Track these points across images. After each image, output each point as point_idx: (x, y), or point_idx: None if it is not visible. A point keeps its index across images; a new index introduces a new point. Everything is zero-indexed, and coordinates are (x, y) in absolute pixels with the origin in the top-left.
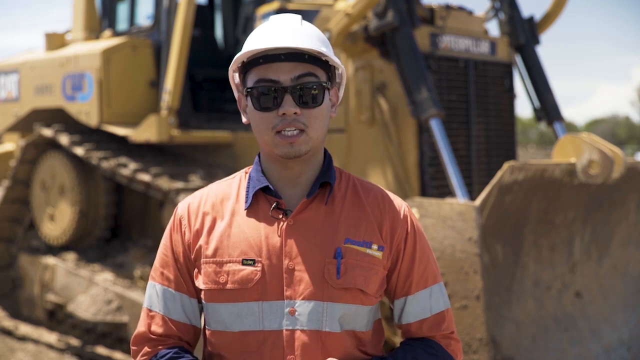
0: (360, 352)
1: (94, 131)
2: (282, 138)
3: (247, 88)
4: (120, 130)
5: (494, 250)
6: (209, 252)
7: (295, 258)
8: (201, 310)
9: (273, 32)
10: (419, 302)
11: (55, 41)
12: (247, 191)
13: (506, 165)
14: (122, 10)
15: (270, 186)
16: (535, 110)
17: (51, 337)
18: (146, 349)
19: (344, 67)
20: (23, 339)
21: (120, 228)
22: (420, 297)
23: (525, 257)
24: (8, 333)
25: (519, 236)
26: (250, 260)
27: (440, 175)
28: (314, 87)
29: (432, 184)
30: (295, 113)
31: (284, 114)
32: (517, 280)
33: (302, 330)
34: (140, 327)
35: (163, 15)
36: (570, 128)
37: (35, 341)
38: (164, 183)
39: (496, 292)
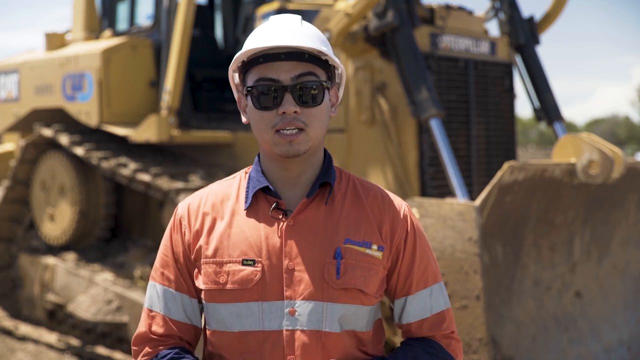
0: (360, 352)
1: (94, 131)
2: (282, 137)
3: (248, 87)
4: (120, 130)
5: (494, 250)
6: (209, 252)
7: (295, 258)
8: (201, 310)
9: (273, 31)
10: (419, 302)
11: (55, 41)
12: (247, 191)
13: (506, 165)
14: (122, 10)
15: (270, 186)
16: (535, 110)
17: (51, 337)
18: (147, 349)
19: (343, 67)
20: (23, 339)
21: (120, 228)
22: (421, 297)
23: (525, 257)
24: (8, 333)
25: (519, 236)
26: (250, 260)
27: (440, 175)
28: (314, 86)
29: (432, 184)
30: (295, 112)
31: (284, 112)
32: (517, 280)
33: (302, 331)
34: (141, 327)
35: (163, 15)
36: (570, 128)
37: (35, 341)
38: (164, 183)
39: (496, 292)
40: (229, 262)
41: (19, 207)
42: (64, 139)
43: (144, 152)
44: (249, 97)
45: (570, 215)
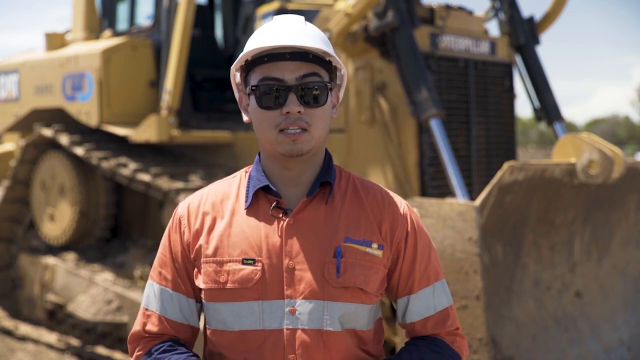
0: (361, 351)
1: (94, 131)
2: (286, 136)
3: (252, 86)
4: (120, 130)
5: (494, 250)
6: (209, 251)
7: (296, 257)
8: (200, 309)
9: (278, 31)
10: (422, 300)
11: (55, 41)
12: (247, 190)
13: (506, 165)
14: (122, 10)
15: (271, 185)
16: (535, 110)
17: (51, 337)
18: (141, 346)
19: (345, 68)
20: (23, 339)
21: (120, 228)
22: (423, 295)
23: (525, 257)
24: (8, 333)
25: (519, 236)
26: (251, 259)
27: (440, 175)
28: (318, 87)
29: (432, 184)
30: (299, 112)
31: (288, 112)
32: (517, 280)
33: (302, 330)
34: (136, 326)
35: (163, 15)
36: (570, 128)
37: (35, 341)
38: (164, 183)
39: (496, 292)
40: (229, 261)
41: (19, 207)
42: (64, 139)
43: (144, 152)
44: (252, 96)
45: (570, 215)
